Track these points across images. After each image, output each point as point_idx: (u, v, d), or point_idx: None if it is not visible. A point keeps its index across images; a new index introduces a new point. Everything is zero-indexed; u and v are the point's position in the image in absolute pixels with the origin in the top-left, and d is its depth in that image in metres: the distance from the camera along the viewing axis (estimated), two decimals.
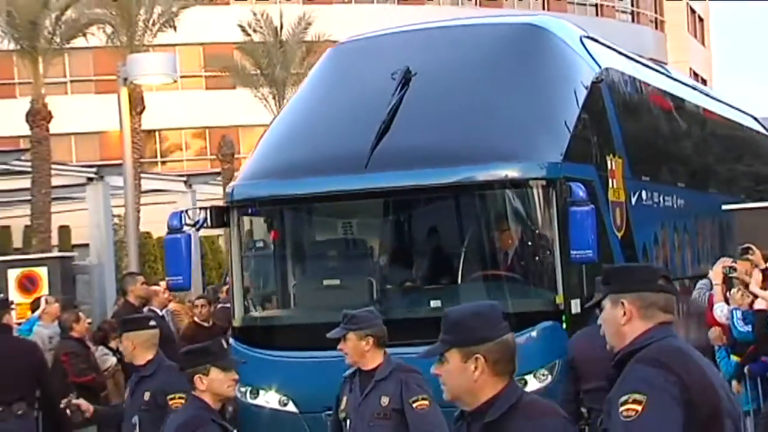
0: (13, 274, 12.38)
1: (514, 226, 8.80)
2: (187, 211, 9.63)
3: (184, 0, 26.19)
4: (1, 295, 10.73)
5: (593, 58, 10.56)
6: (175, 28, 25.67)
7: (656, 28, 49.12)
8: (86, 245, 13.30)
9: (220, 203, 10.38)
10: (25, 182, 21.33)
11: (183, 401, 5.45)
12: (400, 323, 7.74)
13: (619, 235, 9.82)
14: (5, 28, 22.63)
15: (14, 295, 11.56)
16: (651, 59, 18.12)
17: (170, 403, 5.65)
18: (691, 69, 46.44)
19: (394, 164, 8.53)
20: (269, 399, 8.75)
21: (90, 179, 21.31)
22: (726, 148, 15.47)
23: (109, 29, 24.75)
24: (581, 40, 10.73)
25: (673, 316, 3.31)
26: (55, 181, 21.65)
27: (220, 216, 9.34)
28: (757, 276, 9.02)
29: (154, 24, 25.00)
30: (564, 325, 8.35)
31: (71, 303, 11.09)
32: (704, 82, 47.40)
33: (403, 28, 12.54)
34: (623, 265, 5.52)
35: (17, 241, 24.25)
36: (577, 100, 9.62)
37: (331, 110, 9.76)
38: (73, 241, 24.60)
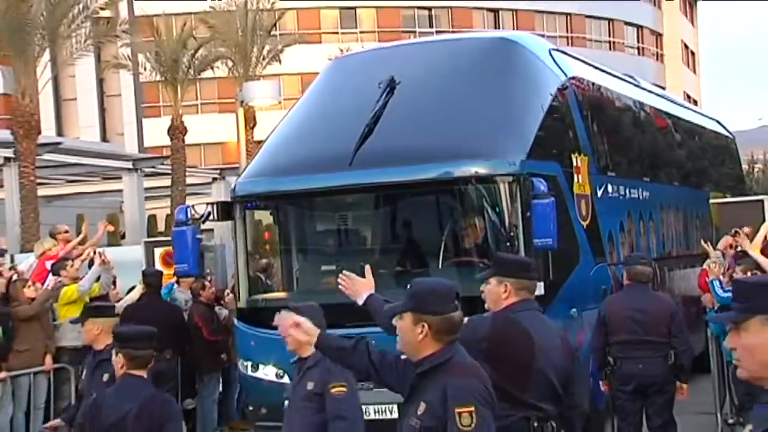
0: (158, 252, 13.52)
1: (483, 217, 8.89)
2: (193, 206, 9.92)
3: (286, 40, 31.41)
4: (153, 268, 11.85)
5: (561, 68, 10.72)
6: (280, 62, 30.29)
7: (657, 59, 54.99)
8: (211, 230, 14.73)
9: None
10: (167, 181, 26.42)
11: None
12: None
13: (585, 224, 10.02)
14: (154, 64, 27.83)
15: (159, 267, 12.63)
16: (652, 83, 18.56)
17: None
18: (684, 92, 51.55)
19: (376, 162, 8.74)
20: (267, 372, 9.00)
21: (214, 179, 27.25)
22: (689, 147, 15.58)
23: (229, 63, 29.30)
24: (550, 53, 10.91)
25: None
26: (189, 180, 26.74)
27: (225, 210, 9.62)
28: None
29: (263, 59, 29.62)
30: None
31: (200, 274, 11.96)
32: (695, 102, 51.29)
33: (392, 44, 13.01)
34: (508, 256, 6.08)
35: (161, 227, 26.98)
36: (542, 105, 9.81)
37: (324, 115, 9.98)
38: (202, 227, 27.40)
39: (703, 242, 11.08)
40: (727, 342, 2.73)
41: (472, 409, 3.52)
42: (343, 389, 5.36)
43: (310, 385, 5.54)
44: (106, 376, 5.82)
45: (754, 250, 9.66)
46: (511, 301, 4.70)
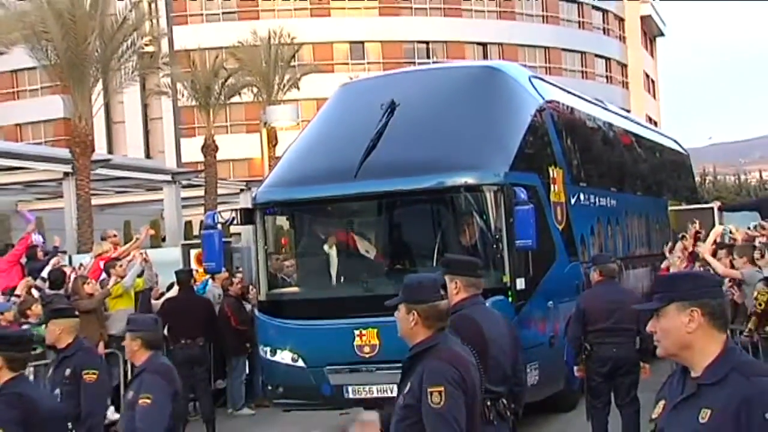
0: (193, 253, 13.67)
1: (472, 221, 8.81)
2: (219, 212, 9.88)
3: (304, 70, 31.72)
4: (188, 268, 11.90)
5: (539, 93, 10.66)
6: (298, 88, 30.43)
7: (622, 87, 55.15)
8: (239, 234, 14.82)
9: None
10: (201, 192, 26.78)
11: (95, 376, 5.46)
12: (385, 297, 8.05)
13: (560, 227, 9.98)
14: (190, 91, 28.44)
15: (194, 266, 12.65)
16: (619, 107, 18.56)
17: (84, 377, 5.48)
18: (646, 114, 52.20)
19: (378, 174, 8.68)
20: (284, 356, 8.91)
21: (242, 190, 27.89)
22: (650, 162, 15.49)
23: (255, 90, 29.79)
24: (530, 79, 10.86)
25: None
26: (220, 191, 27.19)
27: (247, 215, 9.53)
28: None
29: (284, 86, 29.95)
30: (510, 299, 8.49)
31: (229, 272, 11.99)
32: (655, 123, 52.26)
33: (394, 71, 12.97)
34: (456, 257, 5.76)
35: (196, 231, 26.61)
36: (523, 124, 9.74)
37: (333, 133, 9.91)
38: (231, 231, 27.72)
39: (664, 246, 11.03)
40: (649, 327, 2.78)
41: (442, 389, 3.43)
42: (148, 401, 4.77)
43: (130, 395, 4.98)
44: (68, 372, 5.54)
45: (707, 253, 9.56)
46: (462, 297, 4.58)
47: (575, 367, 8.06)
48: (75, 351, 5.57)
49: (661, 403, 2.82)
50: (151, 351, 4.98)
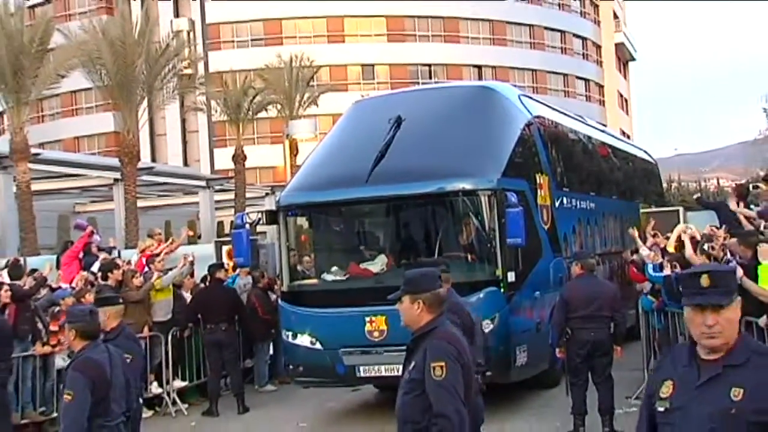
0: (224, 249, 13.71)
1: (468, 221, 8.74)
2: (248, 213, 9.86)
3: (321, 89, 31.61)
4: (219, 262, 11.77)
5: (527, 109, 10.57)
6: (317, 105, 30.42)
7: (600, 105, 55.00)
8: (264, 232, 14.78)
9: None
10: (231, 195, 26.94)
11: (132, 359, 5.22)
12: (392, 289, 7.98)
13: (546, 227, 9.91)
14: (222, 108, 28.61)
15: (225, 260, 12.58)
16: (596, 122, 18.39)
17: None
18: (620, 128, 51.39)
19: (387, 180, 8.64)
20: (304, 340, 8.90)
21: (267, 194, 28.50)
22: (624, 170, 15.37)
23: (278, 107, 29.79)
24: (519, 97, 10.76)
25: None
26: (248, 195, 27.38)
27: (271, 216, 9.51)
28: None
29: (304, 103, 29.92)
30: (502, 290, 8.45)
31: (257, 266, 11.97)
32: (628, 136, 52.44)
33: (400, 90, 12.88)
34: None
35: (227, 230, 26.89)
36: (513, 136, 9.66)
37: (347, 144, 9.85)
38: (257, 230, 28.24)
39: (631, 230, 10.91)
40: (710, 321, 2.66)
41: (443, 364, 3.41)
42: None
43: None
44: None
45: (670, 248, 9.47)
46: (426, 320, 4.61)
47: (557, 349, 7.98)
48: (117, 335, 5.48)
49: (669, 383, 2.75)
50: (86, 340, 4.57)
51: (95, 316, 4.74)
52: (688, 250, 8.56)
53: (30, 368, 9.03)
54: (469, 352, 3.63)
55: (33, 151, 20.29)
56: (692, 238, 9.14)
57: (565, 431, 7.92)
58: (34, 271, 10.77)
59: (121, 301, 6.01)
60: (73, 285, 10.35)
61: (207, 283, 10.97)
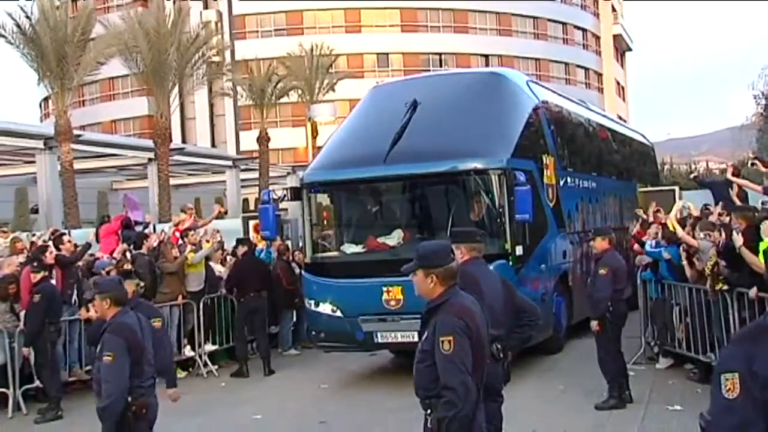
0: (251, 223, 13.90)
1: (480, 198, 8.67)
2: (273, 190, 9.82)
3: (339, 76, 31.17)
4: (247, 237, 11.81)
5: (534, 94, 10.43)
6: (335, 91, 30.18)
7: (599, 92, 54.41)
8: (286, 209, 14.76)
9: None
10: (255, 174, 27.13)
11: (160, 323, 5.11)
12: (408, 261, 7.77)
13: (551, 204, 9.84)
14: (248, 93, 28.52)
15: (252, 235, 12.67)
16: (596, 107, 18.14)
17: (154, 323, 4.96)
18: (618, 114, 50.43)
19: (403, 159, 8.55)
20: (325, 308, 8.86)
21: (288, 173, 28.92)
22: (623, 152, 15.17)
23: (300, 92, 29.68)
24: (527, 83, 10.60)
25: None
26: (271, 174, 27.43)
27: (295, 193, 9.45)
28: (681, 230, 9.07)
29: (324, 89, 29.80)
30: (511, 263, 8.39)
31: (281, 239, 11.91)
32: (625, 121, 51.13)
33: (416, 76, 12.70)
34: (461, 229, 5.32)
35: (252, 206, 27.25)
36: (522, 120, 9.53)
37: (366, 126, 9.76)
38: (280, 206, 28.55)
39: (636, 211, 10.79)
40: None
41: (451, 338, 3.29)
42: (109, 358, 4.29)
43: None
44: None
45: (673, 220, 9.27)
46: (465, 259, 4.66)
47: (594, 323, 7.20)
48: (137, 304, 5.17)
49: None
50: (119, 307, 4.49)
51: (123, 285, 4.69)
52: (680, 231, 8.41)
53: (77, 330, 9.06)
54: (482, 322, 3.49)
55: (75, 132, 20.33)
56: (690, 216, 9.00)
57: (567, 394, 7.85)
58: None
59: (134, 277, 5.99)
60: (115, 255, 10.34)
61: (240, 256, 10.81)
